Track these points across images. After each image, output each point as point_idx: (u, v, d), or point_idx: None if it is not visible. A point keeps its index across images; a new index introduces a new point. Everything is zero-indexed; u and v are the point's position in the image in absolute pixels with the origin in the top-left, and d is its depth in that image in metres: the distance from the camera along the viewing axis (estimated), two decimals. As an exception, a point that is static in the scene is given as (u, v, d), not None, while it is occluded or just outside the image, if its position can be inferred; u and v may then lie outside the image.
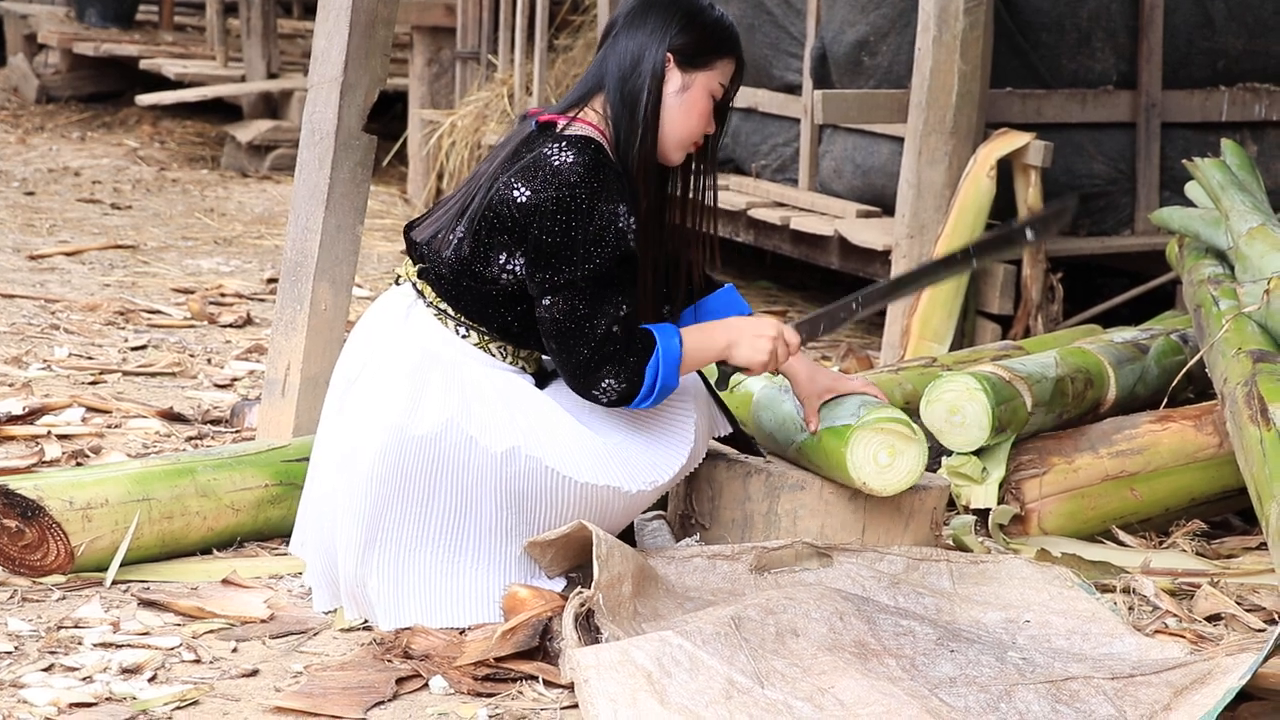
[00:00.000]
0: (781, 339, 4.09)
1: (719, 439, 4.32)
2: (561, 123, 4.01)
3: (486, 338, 4.03)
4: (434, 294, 4.03)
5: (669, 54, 4.00)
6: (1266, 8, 7.22)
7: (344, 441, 4.00)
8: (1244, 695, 3.56)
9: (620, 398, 3.95)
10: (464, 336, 4.02)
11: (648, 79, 3.98)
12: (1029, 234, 4.31)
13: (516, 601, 3.90)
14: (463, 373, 3.98)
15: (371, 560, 3.95)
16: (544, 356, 4.13)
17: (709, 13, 4.06)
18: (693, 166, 4.14)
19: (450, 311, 4.02)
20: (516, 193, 3.91)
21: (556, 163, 3.90)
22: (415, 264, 4.08)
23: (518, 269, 3.95)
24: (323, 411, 4.16)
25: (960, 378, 4.77)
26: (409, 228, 4.14)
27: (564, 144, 3.93)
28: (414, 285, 4.07)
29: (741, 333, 4.08)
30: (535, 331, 4.01)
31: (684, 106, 4.02)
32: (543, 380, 4.11)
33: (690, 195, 4.16)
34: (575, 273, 3.88)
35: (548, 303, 3.92)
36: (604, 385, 3.93)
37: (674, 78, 4.01)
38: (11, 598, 4.08)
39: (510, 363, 4.06)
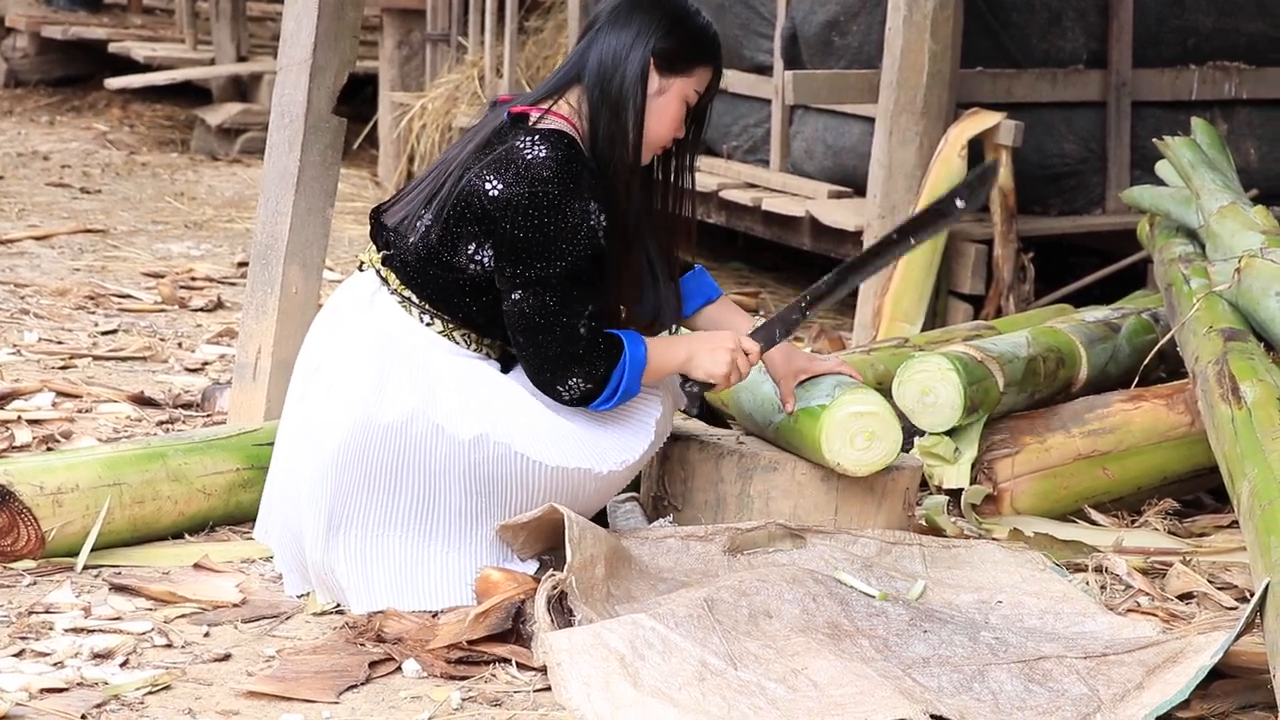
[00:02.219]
0: (740, 350, 4.09)
1: (684, 411, 4.33)
2: (535, 115, 4.00)
3: (450, 325, 4.02)
4: (398, 281, 4.02)
5: (650, 57, 3.98)
6: (1236, -14, 7.23)
7: (308, 430, 3.98)
8: (1216, 673, 3.57)
9: (583, 397, 3.96)
10: (428, 324, 4.01)
11: (634, 81, 3.97)
12: (958, 203, 4.26)
13: (489, 584, 3.89)
14: (428, 360, 3.97)
15: (336, 546, 3.94)
16: (508, 344, 4.12)
17: (695, 18, 4.04)
18: (677, 163, 4.12)
19: (414, 299, 4.01)
20: (488, 185, 3.90)
21: (529, 156, 3.89)
22: (380, 250, 4.06)
23: (485, 260, 3.94)
24: (286, 398, 4.14)
25: (932, 358, 4.77)
26: (375, 212, 4.13)
27: (537, 138, 3.92)
28: (378, 272, 4.05)
29: (701, 345, 4.08)
30: (499, 321, 4.00)
31: (658, 110, 4.01)
32: (507, 365, 4.10)
33: (672, 182, 4.14)
34: (547, 269, 3.88)
35: (517, 297, 3.91)
36: (570, 384, 3.94)
37: (652, 80, 4.00)
38: (-18, 584, 4.07)
39: (474, 350, 4.05)
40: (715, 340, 4.10)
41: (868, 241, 6.34)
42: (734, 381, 4.11)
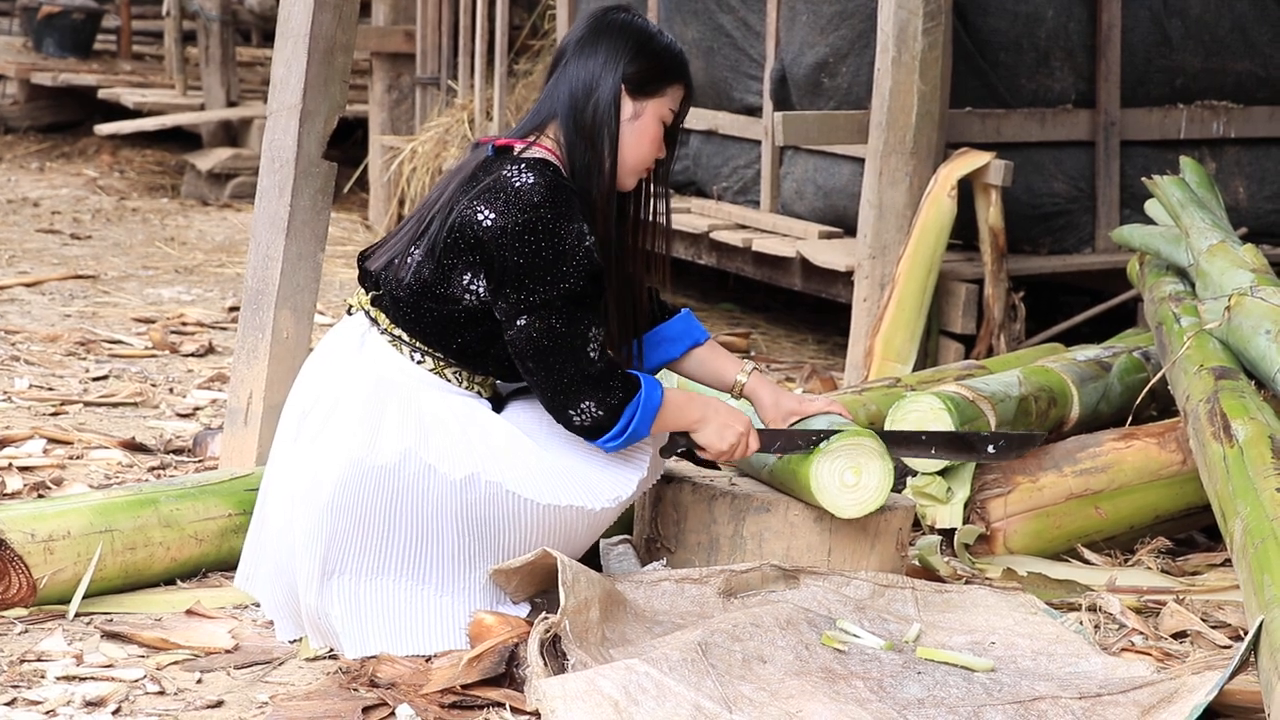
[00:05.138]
0: (747, 437, 4.11)
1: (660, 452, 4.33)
2: (518, 147, 4.02)
3: (442, 363, 4.02)
4: (389, 321, 4.02)
5: (621, 83, 4.01)
6: (1223, 26, 7.25)
7: (302, 474, 3.98)
8: (1211, 713, 3.57)
9: (594, 425, 3.94)
10: (419, 362, 4.01)
11: (606, 108, 4.00)
12: (990, 449, 4.43)
13: (482, 628, 3.88)
14: (419, 400, 3.97)
15: (331, 591, 3.93)
16: (498, 381, 4.12)
17: (658, 40, 4.08)
18: (647, 190, 4.16)
19: (405, 337, 4.01)
20: (481, 215, 3.91)
21: (518, 184, 3.90)
22: (369, 292, 4.07)
23: (480, 289, 3.94)
24: (275, 442, 4.13)
25: (924, 398, 4.77)
26: (362, 257, 4.14)
27: (523, 165, 3.94)
28: (367, 313, 4.05)
29: (716, 413, 4.10)
30: (493, 354, 4.00)
31: (636, 134, 4.04)
32: (497, 405, 4.11)
33: (646, 218, 4.17)
34: (550, 292, 3.88)
35: (523, 323, 3.91)
36: (583, 407, 3.93)
37: (626, 106, 4.02)
38: (-27, 632, 4.06)
39: (466, 388, 4.04)
40: (731, 417, 4.11)
41: (858, 281, 6.36)
42: (723, 461, 4.14)
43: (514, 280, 3.89)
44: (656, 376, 4.27)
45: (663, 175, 4.17)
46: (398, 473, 3.90)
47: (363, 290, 4.10)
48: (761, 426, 4.25)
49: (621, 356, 4.17)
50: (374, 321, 4.04)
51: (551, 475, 3.98)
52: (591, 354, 3.93)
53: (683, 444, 4.13)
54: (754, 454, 4.18)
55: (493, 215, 3.90)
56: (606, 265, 4.01)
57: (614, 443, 3.97)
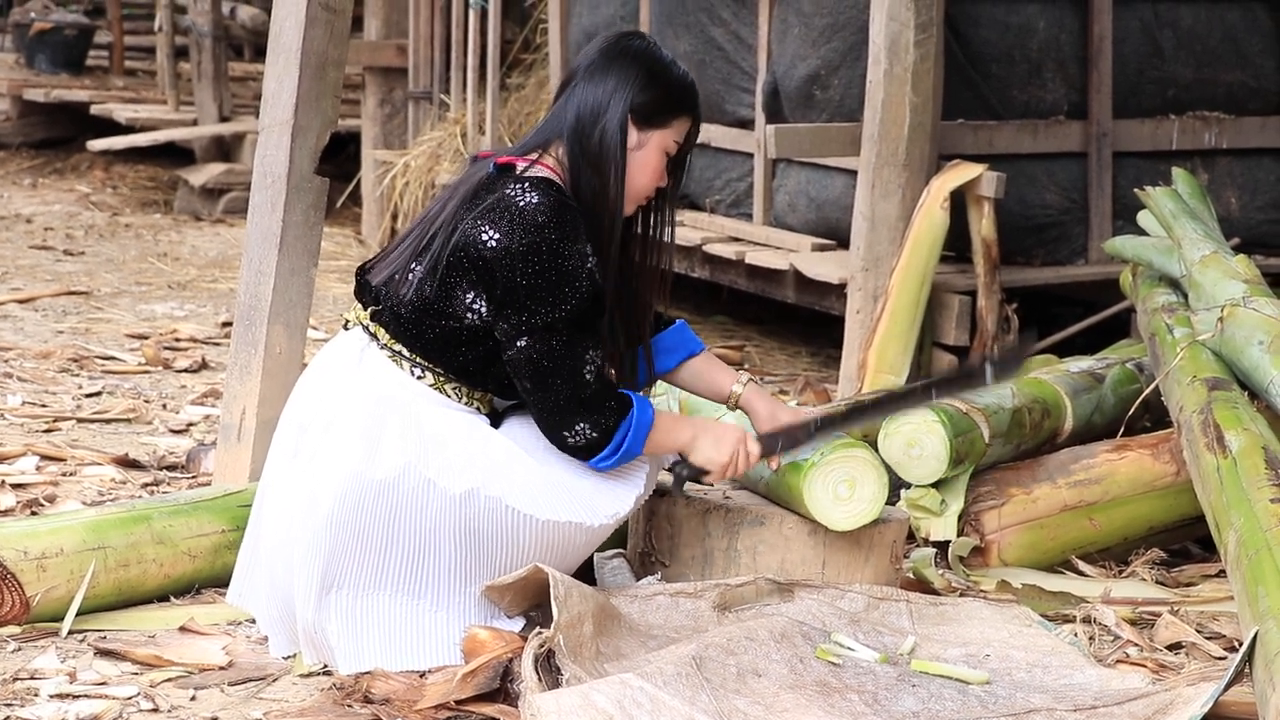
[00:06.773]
0: (744, 446, 4.09)
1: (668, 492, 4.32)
2: (521, 165, 4.01)
3: (442, 379, 4.02)
4: (388, 336, 4.01)
5: (628, 112, 4.00)
6: (1214, 37, 7.26)
7: (301, 489, 3.97)
8: (1206, 724, 3.57)
9: (588, 446, 3.95)
10: (419, 378, 4.01)
11: (612, 137, 3.98)
12: (989, 370, 4.25)
13: (477, 644, 3.88)
14: (419, 415, 3.96)
15: (329, 605, 3.92)
16: (496, 397, 4.12)
17: (671, 71, 4.07)
18: (655, 208, 4.14)
19: (405, 353, 4.01)
20: (485, 236, 3.90)
21: (522, 204, 3.89)
22: (367, 307, 4.06)
23: (482, 308, 3.94)
24: (269, 458, 4.13)
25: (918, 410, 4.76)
26: (361, 271, 4.13)
27: (527, 185, 3.93)
28: (366, 328, 4.05)
29: (708, 430, 4.09)
30: (493, 371, 4.00)
31: (638, 164, 4.03)
32: (495, 421, 4.10)
33: (650, 235, 4.16)
34: (553, 314, 3.88)
35: (523, 344, 3.91)
36: (577, 429, 3.93)
37: (631, 134, 4.01)
38: (-33, 650, 4.05)
39: (465, 403, 4.04)
40: (723, 429, 4.10)
41: (851, 294, 6.36)
42: (729, 475, 4.12)
43: (516, 301, 3.89)
44: (654, 387, 4.27)
45: (670, 198, 4.16)
46: (397, 487, 3.90)
47: (360, 305, 4.09)
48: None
49: (626, 370, 4.17)
50: (373, 337, 4.04)
51: (551, 491, 3.98)
52: (588, 376, 3.93)
53: (686, 473, 4.12)
54: (758, 464, 4.15)
55: (497, 235, 3.89)
56: (609, 285, 4.00)
57: (607, 462, 3.98)
